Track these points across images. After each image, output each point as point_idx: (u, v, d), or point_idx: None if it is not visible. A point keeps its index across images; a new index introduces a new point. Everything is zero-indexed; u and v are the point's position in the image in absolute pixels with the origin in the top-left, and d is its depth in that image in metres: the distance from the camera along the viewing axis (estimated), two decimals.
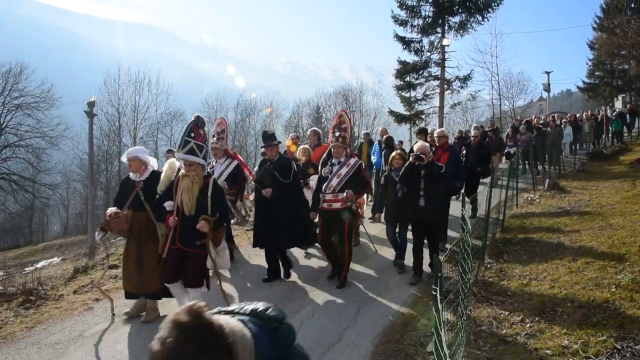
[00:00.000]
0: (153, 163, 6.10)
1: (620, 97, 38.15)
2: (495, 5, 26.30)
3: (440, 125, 26.59)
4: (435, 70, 27.51)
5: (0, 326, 5.93)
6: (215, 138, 8.40)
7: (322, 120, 47.83)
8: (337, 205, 6.67)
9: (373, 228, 9.82)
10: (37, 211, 41.49)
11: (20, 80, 35.72)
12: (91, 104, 20.58)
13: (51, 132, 35.56)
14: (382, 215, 7.98)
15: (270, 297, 6.39)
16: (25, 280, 8.21)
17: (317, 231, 7.23)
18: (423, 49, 27.39)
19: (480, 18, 26.59)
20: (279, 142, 7.64)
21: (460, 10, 26.50)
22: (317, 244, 7.84)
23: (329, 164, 6.90)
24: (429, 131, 10.30)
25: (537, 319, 5.22)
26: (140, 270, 5.69)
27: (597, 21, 33.35)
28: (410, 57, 27.70)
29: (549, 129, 18.78)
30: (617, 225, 8.42)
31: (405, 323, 5.53)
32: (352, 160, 6.82)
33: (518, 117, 25.44)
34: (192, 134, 5.35)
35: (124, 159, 6.00)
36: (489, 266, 7.31)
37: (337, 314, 5.90)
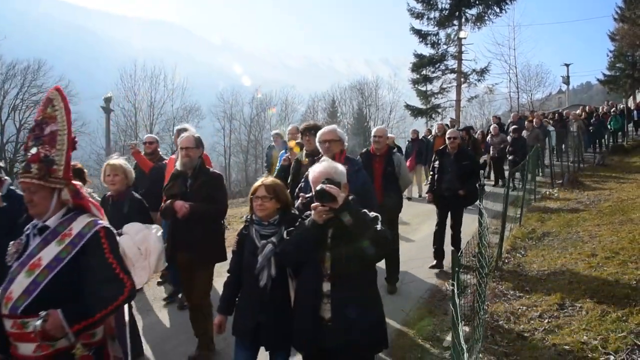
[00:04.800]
0: None
1: None
2: None
3: (457, 119, 26.36)
4: (452, 63, 27.40)
5: None
6: None
7: (338, 114, 47.79)
8: (27, 348, 2.44)
9: None
10: None
11: (38, 77, 36.28)
12: (108, 100, 20.87)
13: None
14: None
15: None
16: None
17: None
18: (439, 41, 27.31)
19: (497, 10, 26.40)
20: None
21: (477, 2, 26.33)
22: None
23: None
24: (375, 132, 6.53)
25: (555, 314, 5.16)
26: None
27: (618, 12, 32.67)
28: (427, 50, 27.67)
29: (524, 132, 14.65)
30: (638, 220, 8.26)
31: (422, 318, 5.51)
32: (79, 225, 2.58)
33: (531, 111, 24.33)
34: None
35: None
36: (506, 261, 7.24)
37: None
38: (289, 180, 5.55)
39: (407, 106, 29.40)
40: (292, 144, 6.33)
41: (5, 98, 35.29)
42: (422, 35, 27.13)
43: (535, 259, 7.14)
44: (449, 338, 4.62)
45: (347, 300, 2.87)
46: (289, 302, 3.23)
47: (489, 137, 14.53)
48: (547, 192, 12.31)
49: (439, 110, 27.87)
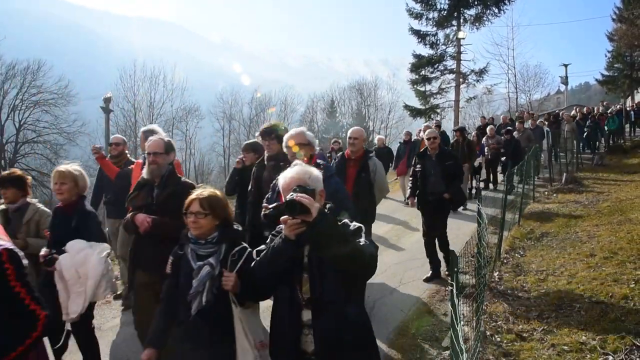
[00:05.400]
0: None
1: None
2: None
3: (456, 120, 26.34)
4: (450, 63, 27.31)
5: None
6: None
7: (337, 114, 47.82)
8: None
9: None
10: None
11: (38, 77, 36.35)
12: (107, 100, 20.78)
13: (68, 128, 36.01)
14: None
15: None
16: None
17: None
18: (438, 42, 27.20)
19: (496, 10, 26.31)
20: None
21: (476, 3, 26.26)
22: None
23: None
24: (350, 134, 5.93)
25: (554, 314, 5.16)
26: None
27: (617, 12, 32.70)
28: (426, 51, 27.55)
29: (515, 132, 14.17)
30: (637, 220, 8.27)
31: (421, 318, 5.52)
32: None
33: (528, 112, 24.02)
34: None
35: None
36: (505, 261, 7.24)
37: None
38: (249, 187, 5.11)
39: (406, 106, 29.33)
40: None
41: (5, 98, 35.36)
42: (421, 36, 27.07)
43: (534, 259, 7.15)
44: (447, 338, 4.63)
45: (332, 329, 2.42)
46: (232, 335, 2.76)
47: (484, 139, 13.93)
48: (546, 193, 12.32)
49: (438, 110, 27.83)
